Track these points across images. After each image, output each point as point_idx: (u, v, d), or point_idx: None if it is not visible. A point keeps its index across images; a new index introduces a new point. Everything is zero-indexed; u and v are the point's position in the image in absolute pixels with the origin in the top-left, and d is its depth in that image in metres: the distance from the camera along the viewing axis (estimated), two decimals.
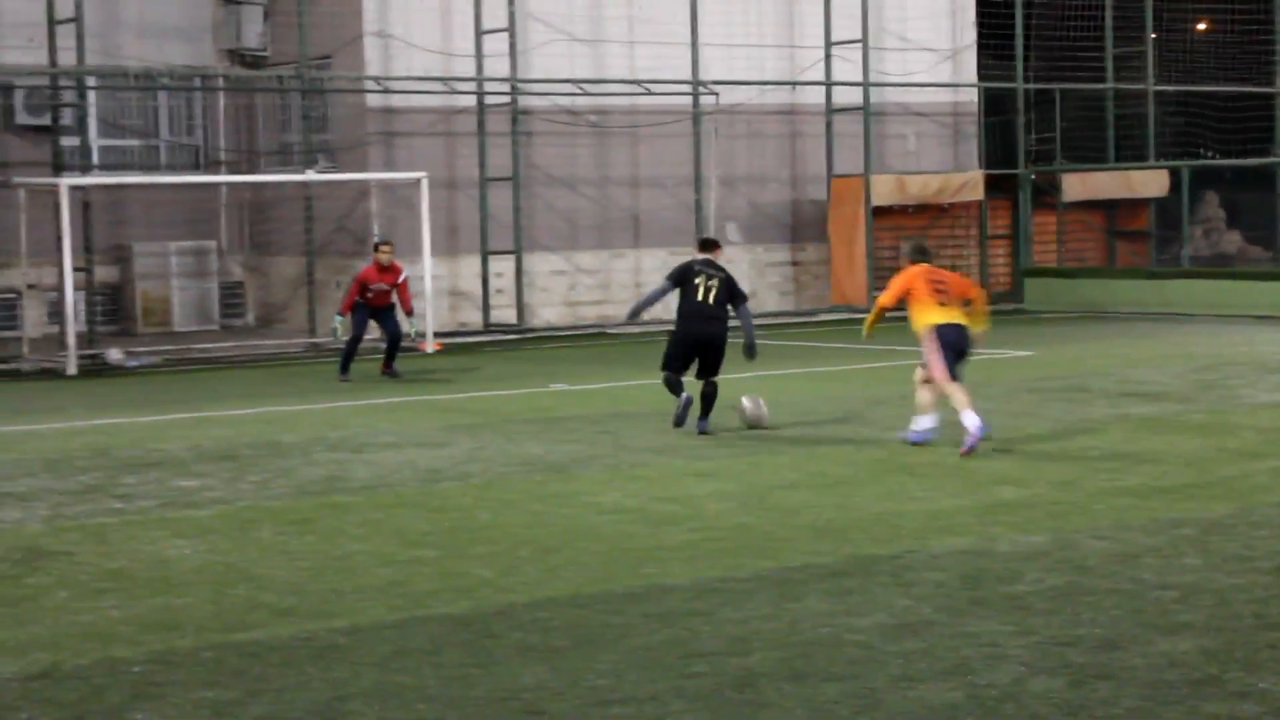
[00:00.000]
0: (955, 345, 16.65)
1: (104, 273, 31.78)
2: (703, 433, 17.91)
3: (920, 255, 17.55)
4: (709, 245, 18.89)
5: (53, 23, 29.52)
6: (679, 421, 18.03)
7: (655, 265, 34.53)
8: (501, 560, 11.57)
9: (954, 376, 16.47)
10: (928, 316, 16.77)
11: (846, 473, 15.10)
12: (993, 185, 38.09)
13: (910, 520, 12.72)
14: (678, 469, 15.52)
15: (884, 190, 35.83)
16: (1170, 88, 41.51)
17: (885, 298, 17.31)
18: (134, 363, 27.80)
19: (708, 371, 18.22)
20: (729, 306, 18.22)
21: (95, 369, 27.39)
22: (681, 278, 18.31)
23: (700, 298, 18.12)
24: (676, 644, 9.21)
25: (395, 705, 8.20)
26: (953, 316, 16.80)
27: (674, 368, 18.20)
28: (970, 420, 15.82)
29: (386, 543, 12.30)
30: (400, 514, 13.48)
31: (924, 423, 16.80)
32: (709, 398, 18.14)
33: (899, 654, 8.90)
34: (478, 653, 9.13)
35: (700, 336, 18.09)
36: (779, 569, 11.07)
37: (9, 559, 11.95)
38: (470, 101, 32.53)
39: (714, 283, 18.16)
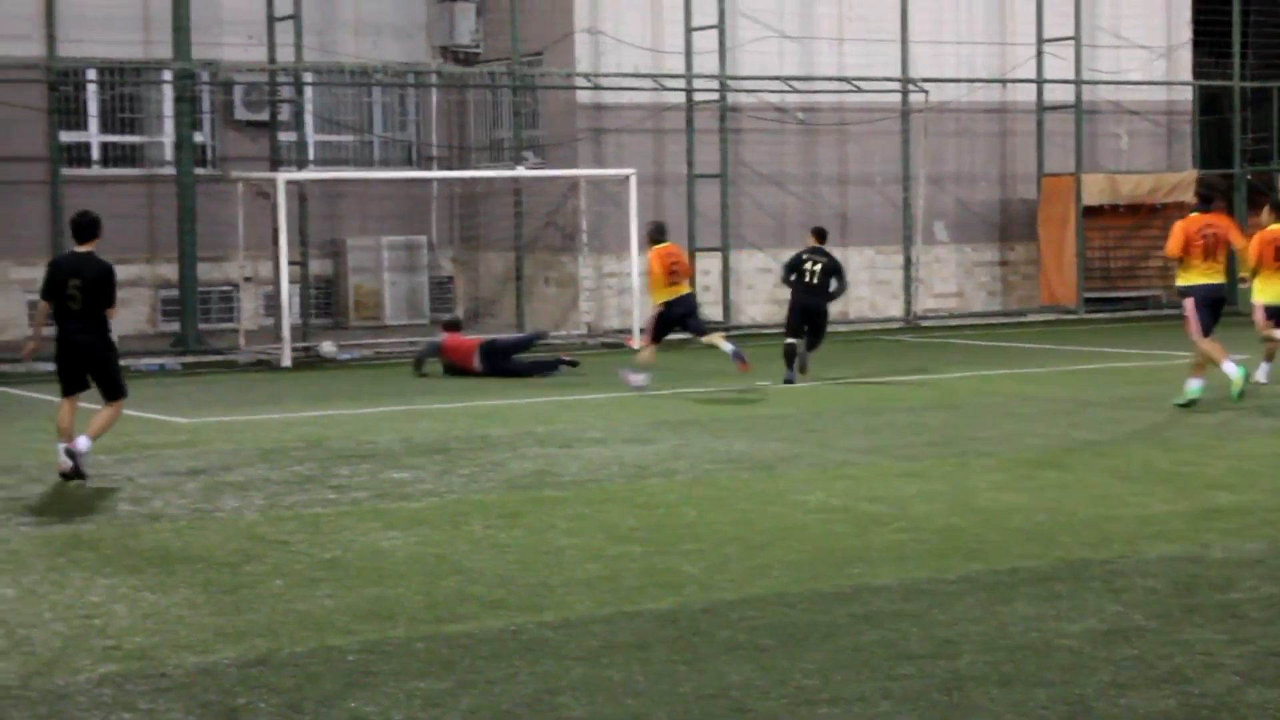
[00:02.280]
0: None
1: (318, 266, 32.34)
2: (788, 381, 23.04)
3: (659, 234, 22.96)
4: (820, 234, 24.16)
5: (272, 20, 30.11)
6: (789, 380, 23.13)
7: (862, 263, 34.44)
8: (708, 557, 11.61)
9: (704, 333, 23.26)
10: (662, 296, 22.45)
11: (1056, 475, 14.95)
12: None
13: (1122, 525, 12.57)
14: (884, 469, 15.47)
15: (1095, 189, 35.38)
16: None
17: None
18: (346, 355, 28.25)
19: (814, 335, 23.49)
20: (831, 283, 23.45)
21: (309, 361, 27.87)
22: (796, 263, 23.54)
23: (808, 280, 23.36)
24: (884, 645, 9.19)
25: (603, 700, 8.26)
26: (679, 291, 22.64)
27: (791, 332, 23.34)
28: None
29: (594, 537, 12.40)
30: (608, 509, 13.58)
31: None
32: (801, 354, 23.45)
33: (1110, 660, 8.80)
34: (685, 649, 9.17)
35: (806, 306, 23.24)
36: (988, 571, 11.00)
37: (227, 547, 12.22)
38: (679, 98, 32.63)
39: (818, 266, 23.39)
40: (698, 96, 32.74)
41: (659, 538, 12.35)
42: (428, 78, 33.71)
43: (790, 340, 23.40)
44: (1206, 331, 19.22)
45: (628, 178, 30.15)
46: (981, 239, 36.27)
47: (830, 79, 33.62)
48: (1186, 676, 8.50)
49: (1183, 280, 19.59)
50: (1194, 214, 19.81)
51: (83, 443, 15.31)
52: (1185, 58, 38.10)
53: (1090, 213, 35.57)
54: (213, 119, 32.06)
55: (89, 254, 15.71)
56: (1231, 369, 19.21)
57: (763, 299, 33.74)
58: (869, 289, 34.77)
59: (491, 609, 10.17)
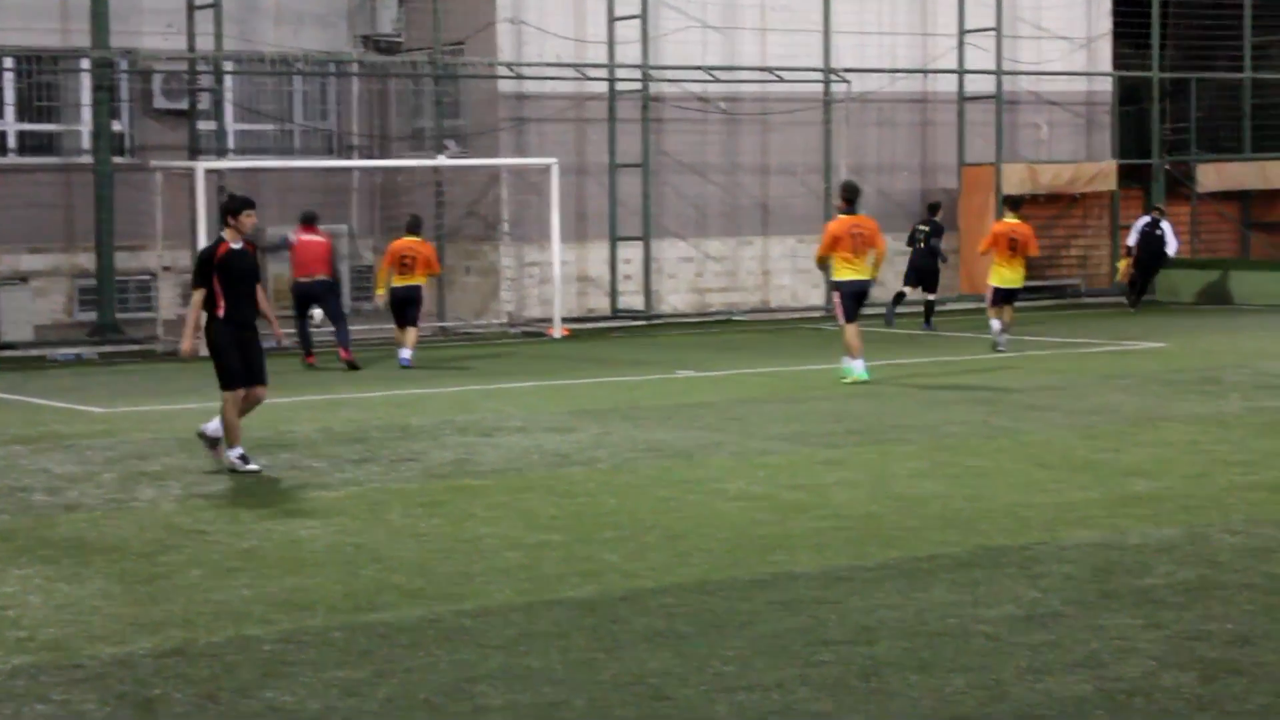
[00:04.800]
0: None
1: None
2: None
3: (414, 227, 25.18)
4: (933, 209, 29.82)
5: (192, 8, 29.89)
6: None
7: (784, 252, 34.50)
8: (628, 545, 11.60)
9: None
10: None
11: (975, 463, 15.02)
12: (1126, 175, 37.73)
13: (1040, 512, 12.63)
14: (805, 456, 15.50)
15: (1015, 179, 35.51)
16: None
17: None
18: (268, 344, 27.98)
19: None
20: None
21: None
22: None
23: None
24: (803, 632, 9.20)
25: (522, 688, 8.24)
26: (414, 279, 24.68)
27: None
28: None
29: (514, 526, 12.37)
30: (528, 498, 13.55)
31: None
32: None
33: (1026, 646, 8.85)
34: (604, 637, 9.16)
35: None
36: (907, 558, 11.04)
37: (143, 537, 12.13)
38: (601, 88, 32.59)
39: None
40: (620, 86, 32.71)
41: (579, 526, 12.34)
42: (349, 67, 33.55)
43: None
44: (850, 319, 21.24)
45: (549, 167, 30.11)
46: (903, 229, 36.29)
47: (753, 69, 33.65)
48: (1102, 661, 8.54)
49: (834, 276, 21.70)
50: (842, 216, 21.77)
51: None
52: (1105, 49, 38.32)
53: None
54: (131, 108, 31.76)
55: None
56: (853, 364, 21.25)
57: (684, 288, 33.75)
58: (790, 278, 34.82)
59: (410, 598, 10.13)
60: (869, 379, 21.24)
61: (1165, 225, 34.78)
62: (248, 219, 15.17)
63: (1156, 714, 7.73)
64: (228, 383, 15.03)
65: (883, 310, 30.29)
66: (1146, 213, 35.79)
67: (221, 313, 15.01)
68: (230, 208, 15.29)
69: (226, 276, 14.99)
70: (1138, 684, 8.16)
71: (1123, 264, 35.25)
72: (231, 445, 14.98)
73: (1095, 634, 9.06)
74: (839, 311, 21.59)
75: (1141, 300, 34.92)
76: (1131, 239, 34.94)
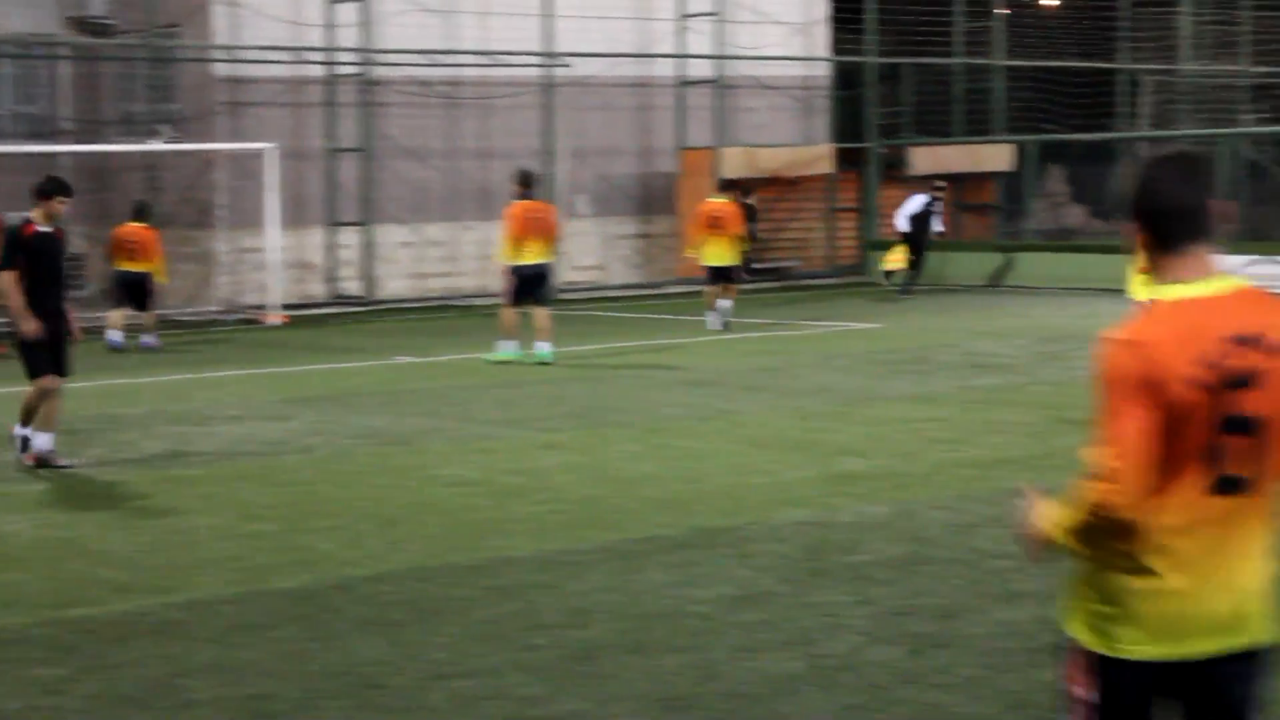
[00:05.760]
0: None
1: None
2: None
3: (140, 212, 25.17)
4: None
5: None
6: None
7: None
8: (343, 534, 11.48)
9: None
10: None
11: (692, 445, 15.12)
12: (842, 159, 38.33)
13: (754, 492, 12.76)
14: (524, 441, 15.48)
15: (734, 163, 35.88)
16: (1017, 63, 41.93)
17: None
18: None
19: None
20: None
21: None
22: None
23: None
24: (518, 616, 9.19)
25: (232, 680, 8.11)
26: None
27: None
28: None
29: (227, 516, 12.17)
30: (241, 487, 13.34)
31: None
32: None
33: (739, 625, 8.93)
34: (317, 627, 9.05)
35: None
36: (622, 541, 11.08)
37: None
38: (320, 72, 32.25)
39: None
40: (339, 70, 32.40)
41: (293, 515, 12.18)
42: (58, 49, 32.75)
43: None
44: (517, 302, 21.77)
45: (267, 152, 29.70)
46: (623, 212, 36.58)
47: (473, 53, 33.55)
48: (813, 638, 8.65)
49: (512, 259, 21.80)
50: (520, 201, 22.05)
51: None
52: (822, 34, 38.90)
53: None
54: None
55: None
56: (506, 346, 21.88)
57: (404, 273, 33.54)
58: None
59: (119, 592, 9.91)
60: (514, 359, 21.73)
61: (939, 205, 34.21)
62: (60, 204, 14.58)
63: (865, 688, 7.85)
64: (35, 371, 14.40)
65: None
66: (928, 191, 34.15)
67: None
68: (45, 190, 14.62)
69: (30, 259, 14.38)
70: (847, 659, 8.28)
71: (896, 253, 33.15)
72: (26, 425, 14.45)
73: (806, 611, 9.17)
74: (507, 293, 22.07)
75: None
76: (902, 224, 33.48)
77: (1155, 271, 4.73)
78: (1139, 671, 4.62)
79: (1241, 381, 4.53)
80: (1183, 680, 4.64)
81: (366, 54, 32.34)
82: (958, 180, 40.31)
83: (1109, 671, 4.66)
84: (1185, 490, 4.54)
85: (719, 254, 26.44)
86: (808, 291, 35.24)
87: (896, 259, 33.07)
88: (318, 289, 32.61)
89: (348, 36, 32.24)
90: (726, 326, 26.14)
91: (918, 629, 8.80)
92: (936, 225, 33.70)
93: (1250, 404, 4.54)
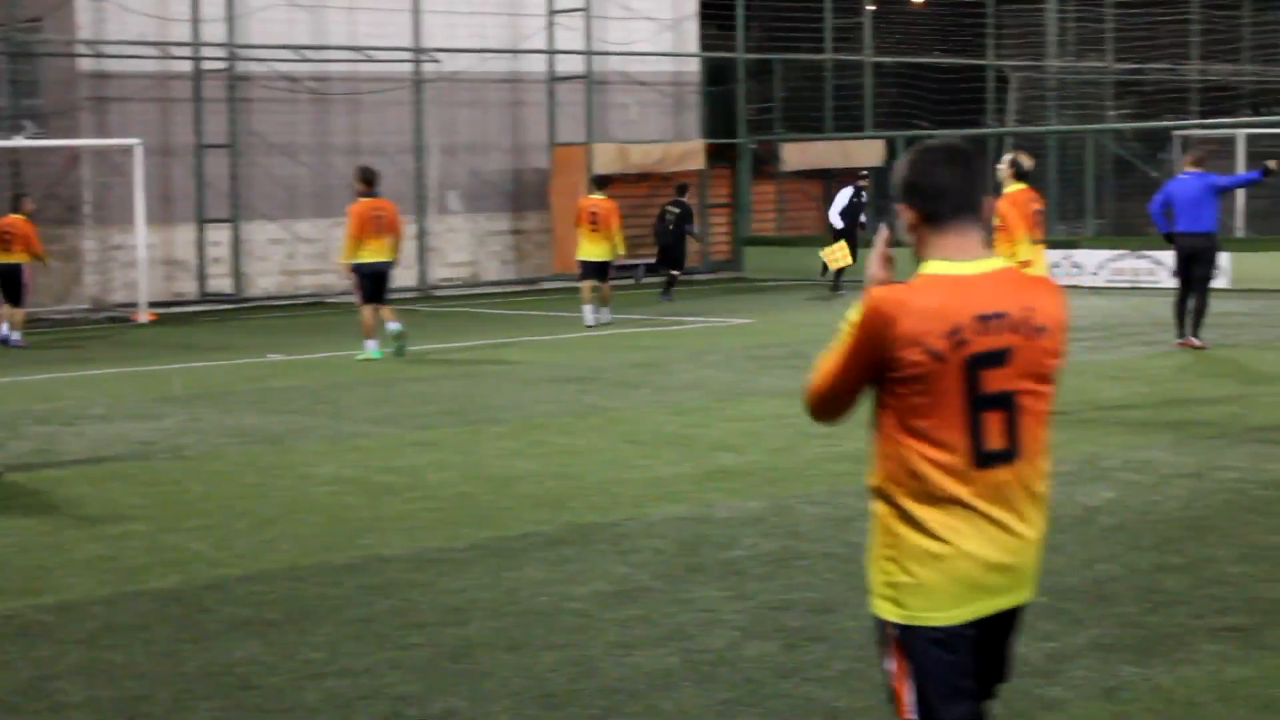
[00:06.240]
0: None
1: None
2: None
3: (16, 205, 25.17)
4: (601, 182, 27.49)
5: None
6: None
7: None
8: (215, 534, 11.36)
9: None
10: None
11: (566, 441, 15.10)
12: (714, 154, 38.45)
13: (629, 488, 12.76)
14: (397, 439, 15.40)
15: (606, 159, 35.90)
16: (887, 59, 42.25)
17: None
18: None
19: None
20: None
21: None
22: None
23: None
24: (393, 615, 9.13)
25: (103, 682, 8.01)
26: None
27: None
28: None
29: (96, 517, 12.01)
30: (111, 487, 13.17)
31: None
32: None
33: (616, 621, 8.91)
34: (189, 627, 8.95)
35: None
36: (498, 538, 11.03)
37: None
38: (186, 67, 31.93)
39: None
40: (206, 65, 32.10)
41: (164, 515, 12.04)
42: None
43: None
44: (369, 300, 21.98)
45: (133, 148, 29.37)
46: (495, 208, 36.51)
47: (342, 48, 33.35)
48: (689, 634, 8.66)
49: (355, 258, 22.00)
50: (363, 199, 22.23)
51: None
52: (692, 30, 39.00)
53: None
54: None
55: None
56: (370, 345, 22.01)
57: (274, 270, 33.29)
58: None
59: None
60: (380, 357, 21.89)
61: (864, 195, 33.49)
62: None
63: (741, 683, 7.86)
64: None
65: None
66: (852, 182, 33.55)
67: None
68: None
69: None
70: (723, 654, 8.29)
71: (835, 250, 30.77)
72: None
73: (682, 607, 9.18)
74: (357, 293, 22.25)
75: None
76: (835, 220, 32.75)
77: (920, 248, 5.01)
78: (939, 636, 4.89)
79: (995, 358, 4.82)
80: (975, 640, 4.94)
81: (233, 49, 32.05)
82: (829, 176, 40.57)
83: (912, 641, 4.92)
84: (956, 461, 4.86)
85: (595, 250, 26.43)
86: (681, 288, 35.26)
87: (839, 256, 30.72)
88: (187, 286, 32.29)
89: (214, 31, 31.95)
90: (600, 323, 26.12)
91: (793, 623, 8.82)
92: (863, 216, 33.06)
93: (1003, 380, 4.83)
